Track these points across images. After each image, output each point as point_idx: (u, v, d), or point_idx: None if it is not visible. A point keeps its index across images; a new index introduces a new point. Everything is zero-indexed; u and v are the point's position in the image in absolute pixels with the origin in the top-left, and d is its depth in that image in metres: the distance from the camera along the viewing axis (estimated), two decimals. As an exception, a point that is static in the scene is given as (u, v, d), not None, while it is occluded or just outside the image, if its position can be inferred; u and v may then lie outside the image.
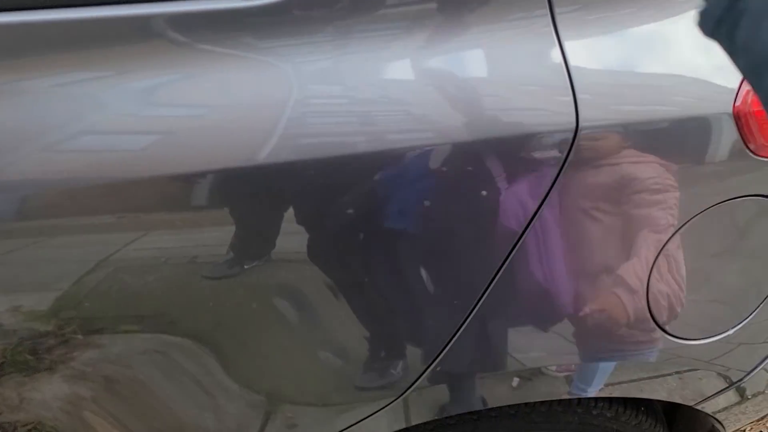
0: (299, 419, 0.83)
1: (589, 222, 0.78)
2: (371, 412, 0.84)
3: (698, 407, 1.03)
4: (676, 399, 1.00)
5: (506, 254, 0.76)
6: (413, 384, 0.83)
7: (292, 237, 0.71)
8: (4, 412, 0.72)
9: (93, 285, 0.67)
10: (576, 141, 0.72)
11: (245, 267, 0.72)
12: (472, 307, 0.78)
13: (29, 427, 0.74)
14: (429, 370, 0.82)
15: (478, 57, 0.73)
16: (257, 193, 0.69)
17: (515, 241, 0.75)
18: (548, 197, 0.74)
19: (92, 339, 0.71)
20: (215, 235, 0.70)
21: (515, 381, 0.89)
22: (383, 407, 0.84)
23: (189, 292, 0.72)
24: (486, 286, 0.77)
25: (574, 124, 0.71)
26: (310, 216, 0.71)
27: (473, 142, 0.71)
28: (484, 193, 0.73)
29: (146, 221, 0.68)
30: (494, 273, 0.77)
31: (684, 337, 0.91)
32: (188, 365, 0.76)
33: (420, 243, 0.76)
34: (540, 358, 0.89)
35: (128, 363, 0.74)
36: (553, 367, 0.90)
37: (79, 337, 0.71)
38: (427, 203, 0.73)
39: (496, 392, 0.90)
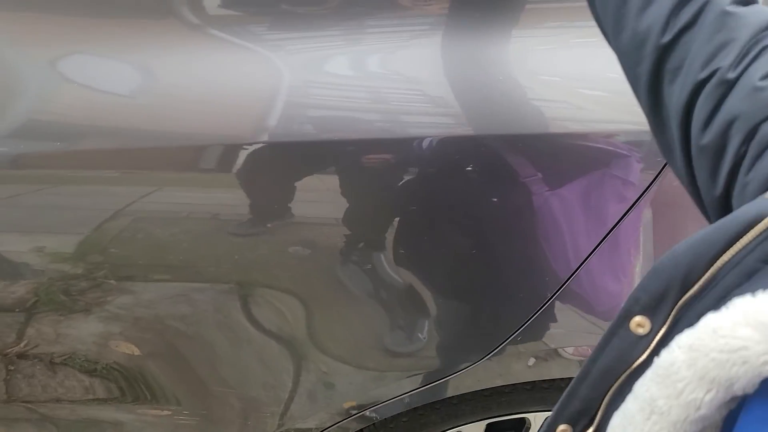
0: (334, 378, 0.84)
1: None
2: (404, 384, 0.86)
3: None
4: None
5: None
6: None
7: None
8: (40, 345, 0.75)
9: (115, 233, 0.68)
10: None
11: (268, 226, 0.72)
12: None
13: (64, 357, 0.77)
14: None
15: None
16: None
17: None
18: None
19: (125, 285, 0.73)
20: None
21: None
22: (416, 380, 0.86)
23: (215, 246, 0.72)
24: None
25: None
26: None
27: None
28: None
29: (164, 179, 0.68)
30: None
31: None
32: (216, 314, 0.78)
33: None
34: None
35: (158, 308, 0.76)
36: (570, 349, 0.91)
37: (112, 282, 0.72)
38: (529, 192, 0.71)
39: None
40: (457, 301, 0.84)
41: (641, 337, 0.37)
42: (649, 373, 0.36)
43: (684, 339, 0.33)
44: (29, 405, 0.78)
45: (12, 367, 0.75)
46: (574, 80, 0.73)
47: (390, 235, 0.75)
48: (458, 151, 0.71)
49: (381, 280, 0.78)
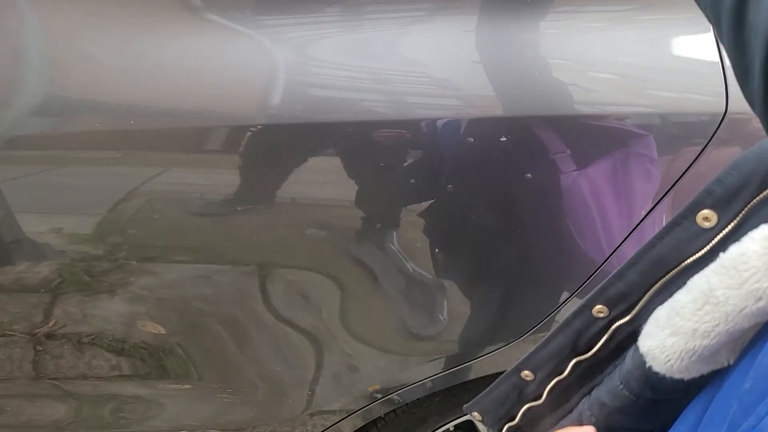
0: (359, 361, 0.83)
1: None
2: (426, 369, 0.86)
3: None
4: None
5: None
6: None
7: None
8: (68, 325, 0.76)
9: (131, 213, 0.67)
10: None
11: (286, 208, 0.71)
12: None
13: (92, 337, 0.78)
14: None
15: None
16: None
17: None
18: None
19: (146, 266, 0.73)
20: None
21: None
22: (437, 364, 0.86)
23: (235, 228, 0.72)
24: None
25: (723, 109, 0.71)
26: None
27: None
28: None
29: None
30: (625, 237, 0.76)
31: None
32: (239, 296, 0.77)
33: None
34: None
35: (181, 289, 0.76)
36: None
37: (134, 263, 0.72)
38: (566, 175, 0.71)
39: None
40: (484, 285, 0.83)
41: (705, 231, 0.36)
42: (711, 266, 0.36)
43: (760, 232, 0.33)
44: (56, 382, 0.78)
45: (40, 348, 0.76)
46: (588, 64, 0.73)
47: (415, 218, 0.74)
48: (489, 132, 0.69)
49: (406, 263, 0.77)
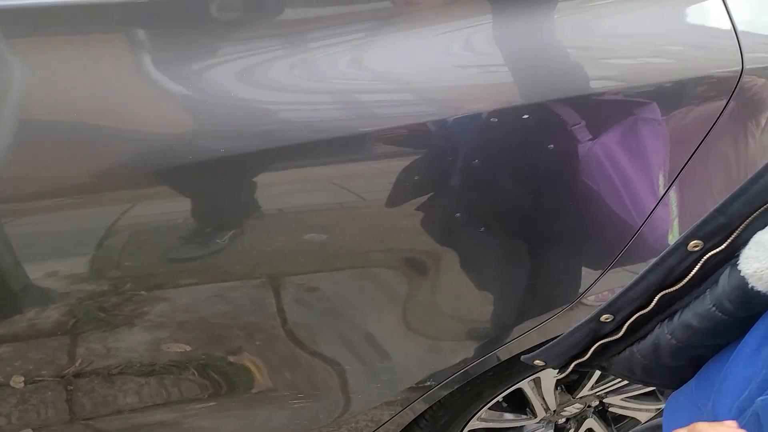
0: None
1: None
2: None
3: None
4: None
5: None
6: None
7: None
8: (94, 361, 0.75)
9: (120, 247, 0.65)
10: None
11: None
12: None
13: (120, 368, 0.77)
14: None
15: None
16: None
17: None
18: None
19: (156, 294, 0.71)
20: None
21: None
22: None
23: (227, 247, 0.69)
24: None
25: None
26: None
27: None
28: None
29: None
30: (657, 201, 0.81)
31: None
32: (251, 306, 0.75)
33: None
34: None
35: (199, 310, 0.73)
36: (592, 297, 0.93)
37: (143, 293, 0.70)
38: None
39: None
40: (524, 259, 0.82)
41: None
42: None
43: None
44: (90, 422, 0.79)
45: (71, 387, 0.76)
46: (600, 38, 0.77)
47: (443, 202, 0.73)
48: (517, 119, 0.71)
49: (439, 248, 0.76)
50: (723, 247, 0.45)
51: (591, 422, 1.39)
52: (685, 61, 0.79)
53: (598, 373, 1.17)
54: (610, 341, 0.55)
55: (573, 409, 1.31)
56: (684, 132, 0.79)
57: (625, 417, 1.48)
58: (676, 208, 0.82)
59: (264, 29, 0.65)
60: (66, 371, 0.75)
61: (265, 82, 0.64)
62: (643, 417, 1.46)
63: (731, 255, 0.45)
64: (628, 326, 0.53)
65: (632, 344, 0.55)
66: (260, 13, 0.64)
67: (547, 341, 0.88)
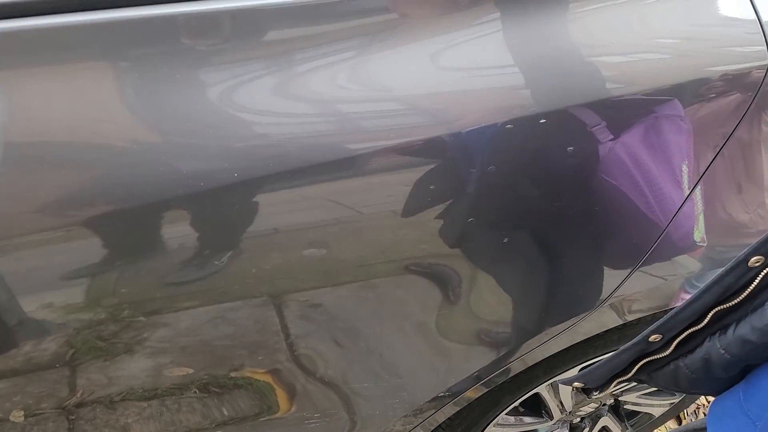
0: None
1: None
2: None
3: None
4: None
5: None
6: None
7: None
8: (96, 391, 0.72)
9: (115, 275, 0.62)
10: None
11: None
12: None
13: (122, 395, 0.74)
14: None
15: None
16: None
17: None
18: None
19: (155, 319, 0.67)
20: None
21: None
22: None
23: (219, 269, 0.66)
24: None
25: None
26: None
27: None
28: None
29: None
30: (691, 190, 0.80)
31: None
32: (254, 326, 0.72)
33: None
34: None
35: (199, 332, 0.70)
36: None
37: (142, 319, 0.67)
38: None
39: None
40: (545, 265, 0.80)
41: None
42: None
43: None
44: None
45: (73, 416, 0.73)
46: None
47: (461, 210, 0.70)
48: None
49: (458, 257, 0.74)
50: None
51: (606, 420, 1.37)
52: (710, 56, 0.77)
53: (614, 373, 1.14)
54: (657, 359, 0.54)
55: (588, 408, 1.29)
56: (710, 127, 0.77)
57: (638, 412, 1.47)
58: (701, 204, 0.79)
59: (250, 51, 0.62)
60: (67, 402, 0.72)
61: (252, 104, 0.62)
62: (656, 412, 1.45)
63: None
64: (679, 343, 0.52)
65: (678, 358, 0.53)
66: (245, 35, 0.61)
67: (575, 345, 0.87)
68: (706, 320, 0.49)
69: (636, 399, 1.35)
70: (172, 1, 0.57)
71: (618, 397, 1.31)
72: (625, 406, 1.39)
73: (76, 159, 0.57)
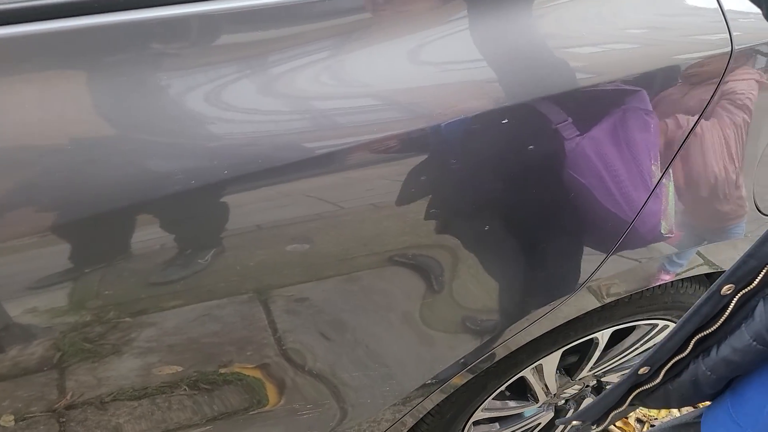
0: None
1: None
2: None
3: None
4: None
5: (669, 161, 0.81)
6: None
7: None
8: (86, 392, 0.73)
9: (98, 277, 0.62)
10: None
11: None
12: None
13: (113, 396, 0.75)
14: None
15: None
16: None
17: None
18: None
19: (142, 319, 0.68)
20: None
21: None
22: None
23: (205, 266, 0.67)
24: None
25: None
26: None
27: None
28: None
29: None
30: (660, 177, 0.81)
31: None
32: (241, 322, 0.73)
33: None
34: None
35: (186, 331, 0.71)
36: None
37: (128, 319, 0.67)
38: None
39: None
40: (513, 260, 0.81)
41: None
42: None
43: None
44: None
45: (63, 419, 0.74)
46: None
47: (434, 208, 0.71)
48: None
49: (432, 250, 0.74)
50: (754, 285, 0.47)
51: (589, 401, 1.40)
52: (674, 46, 0.78)
53: (596, 354, 1.17)
54: (647, 388, 0.59)
55: (572, 390, 1.32)
56: (677, 117, 0.78)
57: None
58: (672, 195, 0.81)
59: (224, 54, 0.62)
60: (57, 405, 0.72)
61: (230, 105, 0.62)
62: (640, 390, 1.48)
63: (761, 289, 0.48)
64: (667, 371, 0.56)
65: (666, 383, 0.58)
66: (218, 38, 0.62)
67: (557, 328, 0.86)
68: (689, 347, 0.53)
69: (617, 379, 1.38)
70: (147, 6, 0.58)
71: (600, 378, 1.35)
72: (607, 387, 1.43)
73: (54, 163, 0.57)
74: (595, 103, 0.73)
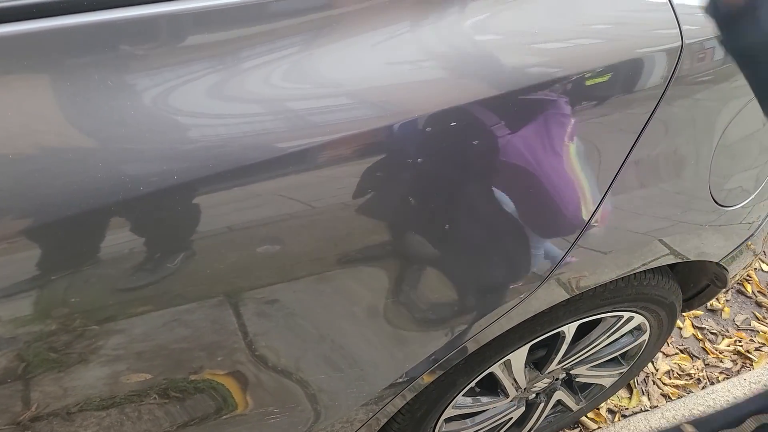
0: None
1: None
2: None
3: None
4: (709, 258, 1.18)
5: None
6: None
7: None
8: (51, 403, 0.71)
9: (64, 284, 0.61)
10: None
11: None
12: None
13: (79, 406, 0.73)
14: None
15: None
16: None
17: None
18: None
19: (109, 326, 0.67)
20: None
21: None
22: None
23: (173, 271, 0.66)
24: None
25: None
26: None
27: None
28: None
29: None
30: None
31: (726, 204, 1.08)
32: (215, 326, 0.73)
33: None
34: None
35: (154, 337, 0.70)
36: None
37: (95, 327, 0.66)
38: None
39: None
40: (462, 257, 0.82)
41: None
42: None
43: None
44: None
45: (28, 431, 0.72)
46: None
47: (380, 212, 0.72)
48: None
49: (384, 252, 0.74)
50: None
51: (560, 393, 1.43)
52: (619, 41, 0.78)
53: (564, 347, 1.20)
54: None
55: (542, 384, 1.34)
56: (625, 117, 0.80)
57: (590, 384, 1.53)
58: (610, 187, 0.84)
59: (192, 53, 0.62)
60: (21, 418, 0.70)
61: (193, 105, 0.62)
62: (607, 382, 1.52)
63: None
64: None
65: None
66: (181, 39, 0.61)
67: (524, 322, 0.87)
68: None
69: (587, 372, 1.41)
70: (105, 7, 0.57)
71: (570, 370, 1.37)
72: (577, 380, 1.46)
73: (15, 168, 0.56)
74: (525, 107, 0.75)
